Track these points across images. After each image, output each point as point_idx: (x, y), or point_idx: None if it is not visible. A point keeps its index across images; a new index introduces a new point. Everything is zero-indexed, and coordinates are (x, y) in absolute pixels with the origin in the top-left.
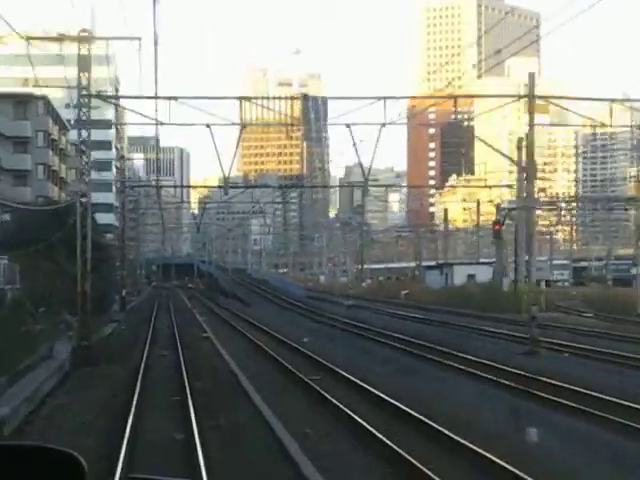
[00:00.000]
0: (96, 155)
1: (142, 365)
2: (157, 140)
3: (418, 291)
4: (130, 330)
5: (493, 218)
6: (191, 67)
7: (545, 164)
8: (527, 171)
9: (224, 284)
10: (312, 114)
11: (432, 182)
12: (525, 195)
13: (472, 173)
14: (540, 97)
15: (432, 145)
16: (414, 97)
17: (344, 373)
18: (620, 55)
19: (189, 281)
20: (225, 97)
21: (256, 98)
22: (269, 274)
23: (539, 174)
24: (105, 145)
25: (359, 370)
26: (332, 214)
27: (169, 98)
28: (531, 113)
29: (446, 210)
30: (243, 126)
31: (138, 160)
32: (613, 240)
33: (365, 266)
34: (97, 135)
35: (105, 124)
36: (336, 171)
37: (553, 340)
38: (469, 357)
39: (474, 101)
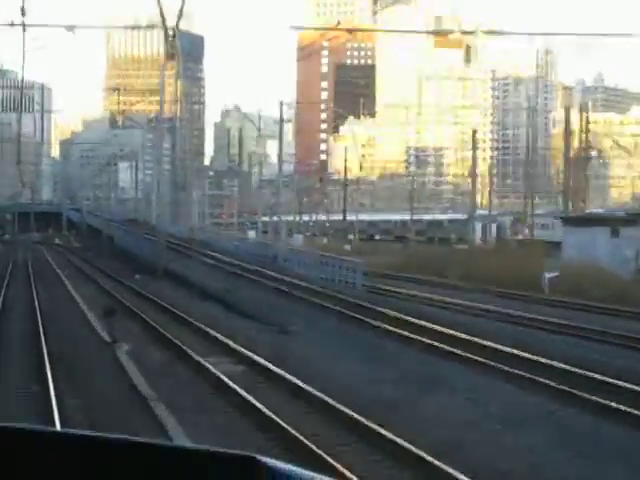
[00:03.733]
0: None
1: None
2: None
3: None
4: None
5: (395, 166)
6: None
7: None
8: None
9: (132, 248)
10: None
11: (324, 126)
12: None
13: (372, 115)
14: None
15: (324, 84)
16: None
17: None
18: None
19: (55, 234)
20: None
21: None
22: (206, 231)
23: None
24: None
25: None
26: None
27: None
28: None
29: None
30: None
31: None
32: None
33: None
34: None
35: None
36: (211, 115)
37: None
38: None
39: (375, 36)
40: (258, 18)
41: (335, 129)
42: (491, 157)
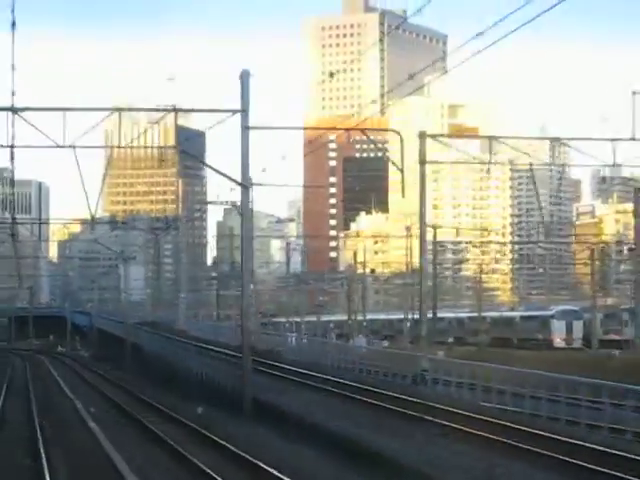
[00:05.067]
0: None
1: None
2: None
3: None
4: None
5: (411, 260)
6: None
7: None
8: None
9: (175, 362)
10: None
11: (333, 222)
12: None
13: (385, 210)
14: None
15: (333, 179)
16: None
17: None
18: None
19: (57, 341)
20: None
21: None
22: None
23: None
24: None
25: None
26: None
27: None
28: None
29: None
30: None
31: None
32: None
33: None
34: None
35: None
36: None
37: None
38: None
39: (388, 127)
40: (262, 114)
41: (346, 225)
42: (511, 250)
